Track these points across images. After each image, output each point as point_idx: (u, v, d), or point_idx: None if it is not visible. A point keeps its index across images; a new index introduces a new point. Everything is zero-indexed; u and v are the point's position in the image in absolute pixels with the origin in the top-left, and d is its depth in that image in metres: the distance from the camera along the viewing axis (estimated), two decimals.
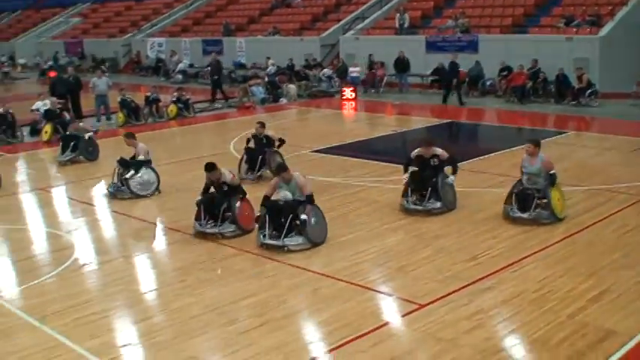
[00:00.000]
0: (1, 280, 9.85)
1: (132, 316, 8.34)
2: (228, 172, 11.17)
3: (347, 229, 11.09)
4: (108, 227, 12.28)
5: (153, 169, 14.10)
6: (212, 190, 11.24)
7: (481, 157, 15.91)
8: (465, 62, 26.47)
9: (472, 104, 24.89)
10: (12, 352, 7.42)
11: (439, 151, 11.78)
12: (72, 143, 17.43)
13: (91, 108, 24.11)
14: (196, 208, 11.14)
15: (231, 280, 9.34)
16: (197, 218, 11.03)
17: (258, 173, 14.48)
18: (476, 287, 8.64)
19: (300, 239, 10.05)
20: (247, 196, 11.23)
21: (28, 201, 14.44)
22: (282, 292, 8.92)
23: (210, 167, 11.05)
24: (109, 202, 13.59)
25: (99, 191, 14.93)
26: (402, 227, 11.13)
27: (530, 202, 10.88)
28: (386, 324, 7.87)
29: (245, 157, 14.74)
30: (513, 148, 16.12)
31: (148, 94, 24.54)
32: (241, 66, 35.14)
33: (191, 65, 37.32)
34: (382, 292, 8.71)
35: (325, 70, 30.73)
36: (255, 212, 10.88)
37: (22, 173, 17.49)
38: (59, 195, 14.87)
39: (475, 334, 7.42)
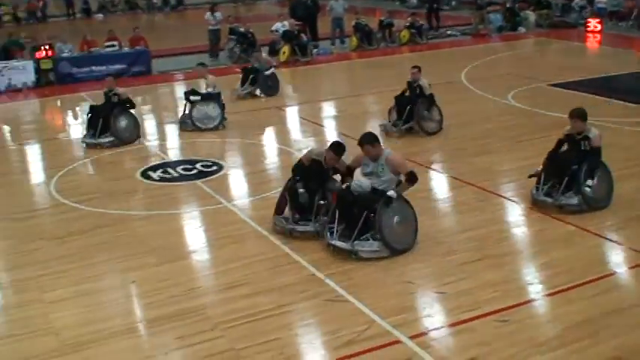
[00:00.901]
0: (235, 189, 10.57)
1: None
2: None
3: None
4: None
5: (219, 104, 13.91)
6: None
7: None
8: None
9: None
10: (243, 257, 7.98)
11: (593, 132, 8.88)
12: (251, 76, 16.53)
13: (327, 31, 24.62)
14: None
15: (452, 212, 9.25)
16: (279, 212, 8.64)
17: (404, 127, 12.63)
18: None
19: (375, 244, 7.73)
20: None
21: (263, 117, 15.20)
22: (504, 228, 8.69)
23: (342, 150, 8.43)
24: (339, 124, 13.92)
25: (329, 113, 15.38)
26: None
27: None
28: (612, 274, 7.40)
29: (395, 106, 12.90)
30: None
31: (382, 18, 24.56)
32: None
33: None
34: (613, 241, 8.15)
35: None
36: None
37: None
38: (292, 114, 15.50)
39: None
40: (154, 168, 11.47)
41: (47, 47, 19.89)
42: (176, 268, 7.83)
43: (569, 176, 8.75)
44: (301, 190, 8.30)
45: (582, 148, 8.84)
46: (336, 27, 24.47)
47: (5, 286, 7.67)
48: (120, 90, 13.22)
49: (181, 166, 11.46)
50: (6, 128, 15.44)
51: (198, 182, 10.69)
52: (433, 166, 11.07)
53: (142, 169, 11.46)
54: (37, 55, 19.73)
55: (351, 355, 5.98)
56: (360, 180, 8.00)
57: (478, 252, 7.87)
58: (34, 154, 13.20)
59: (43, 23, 35.29)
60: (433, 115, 12.76)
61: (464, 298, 6.85)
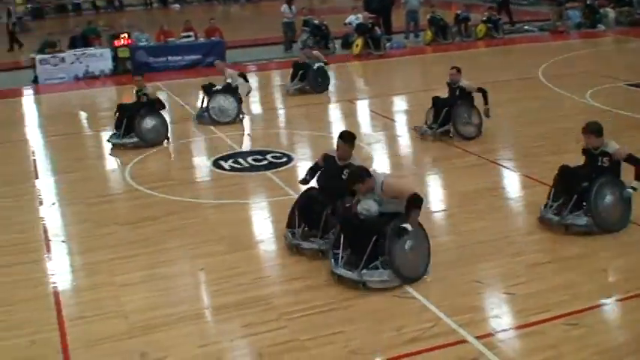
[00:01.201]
0: None
1: None
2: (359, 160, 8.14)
3: None
4: (404, 143, 12.52)
5: (235, 97, 13.82)
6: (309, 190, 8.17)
7: None
8: None
9: None
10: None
11: (612, 147, 8.07)
12: (300, 72, 16.23)
13: (401, 24, 24.44)
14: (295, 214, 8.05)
15: (523, 211, 9.06)
16: (290, 225, 8.06)
17: (440, 130, 11.95)
18: None
19: (385, 273, 6.94)
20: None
21: (334, 111, 15.21)
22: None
23: (351, 137, 7.97)
24: (410, 119, 13.79)
25: (401, 107, 15.27)
26: None
27: None
28: None
29: (432, 107, 12.19)
30: None
31: (458, 12, 24.25)
32: None
33: None
34: None
35: None
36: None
37: (330, 84, 18.38)
38: (363, 108, 15.46)
39: None
40: (225, 158, 11.61)
41: (125, 36, 20.37)
42: (244, 256, 7.91)
43: (578, 194, 8.04)
44: (308, 193, 7.89)
45: (599, 164, 8.12)
46: (410, 20, 24.30)
47: (78, 269, 7.89)
48: (149, 90, 12.85)
49: (252, 157, 11.57)
50: (83, 115, 15.88)
51: (268, 173, 10.77)
52: (505, 164, 10.87)
53: (214, 158, 11.62)
54: (115, 43, 20.22)
55: (416, 352, 5.93)
56: (367, 203, 7.08)
57: (549, 254, 7.68)
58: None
59: (120, 12, 36.16)
60: (472, 118, 11.96)
61: (533, 300, 6.70)
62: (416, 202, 6.95)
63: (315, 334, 6.24)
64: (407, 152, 11.98)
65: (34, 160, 12.09)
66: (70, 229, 9.08)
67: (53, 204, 9.94)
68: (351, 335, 6.22)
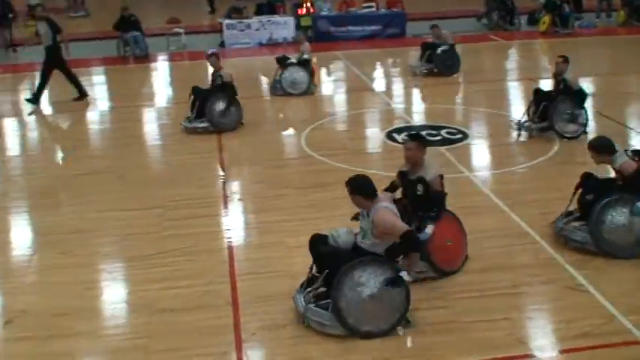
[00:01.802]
0: (477, 160, 10.40)
1: None
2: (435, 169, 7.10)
3: None
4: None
5: (308, 70, 13.86)
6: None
7: None
8: None
9: None
10: (480, 230, 7.59)
11: (618, 162, 7.09)
12: (427, 53, 15.42)
13: (593, 3, 23.17)
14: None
15: None
16: None
17: (537, 126, 10.76)
18: None
19: (326, 315, 5.80)
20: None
21: (514, 89, 14.78)
22: None
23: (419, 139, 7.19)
24: (596, 103, 13.06)
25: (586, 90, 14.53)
26: None
27: None
28: None
29: (533, 100, 11.02)
30: None
31: None
32: None
33: None
34: None
35: None
36: (464, 237, 7.10)
37: (512, 61, 17.85)
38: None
39: None
40: (399, 130, 11.58)
41: (308, 5, 20.77)
42: None
43: (582, 206, 7.21)
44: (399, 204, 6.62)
45: (617, 181, 7.24)
46: None
47: (251, 227, 8.23)
48: (224, 72, 11.97)
49: (426, 131, 11.43)
50: (263, 80, 16.36)
51: (442, 149, 10.61)
52: None
53: (387, 130, 11.63)
54: (298, 11, 20.67)
55: (585, 348, 5.64)
56: (339, 231, 6.18)
57: None
58: (289, 106, 13.83)
59: None
60: (577, 117, 10.72)
61: None
62: (414, 242, 5.81)
63: (479, 317, 6.09)
64: (583, 137, 11.32)
65: None
66: (247, 188, 9.47)
67: (233, 164, 10.39)
68: (518, 323, 6.03)
